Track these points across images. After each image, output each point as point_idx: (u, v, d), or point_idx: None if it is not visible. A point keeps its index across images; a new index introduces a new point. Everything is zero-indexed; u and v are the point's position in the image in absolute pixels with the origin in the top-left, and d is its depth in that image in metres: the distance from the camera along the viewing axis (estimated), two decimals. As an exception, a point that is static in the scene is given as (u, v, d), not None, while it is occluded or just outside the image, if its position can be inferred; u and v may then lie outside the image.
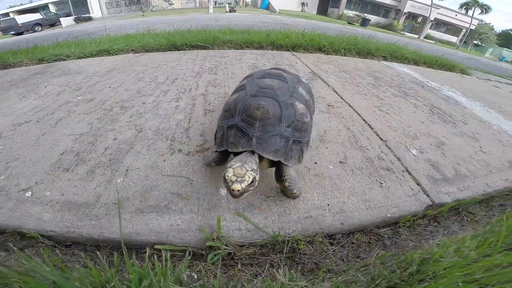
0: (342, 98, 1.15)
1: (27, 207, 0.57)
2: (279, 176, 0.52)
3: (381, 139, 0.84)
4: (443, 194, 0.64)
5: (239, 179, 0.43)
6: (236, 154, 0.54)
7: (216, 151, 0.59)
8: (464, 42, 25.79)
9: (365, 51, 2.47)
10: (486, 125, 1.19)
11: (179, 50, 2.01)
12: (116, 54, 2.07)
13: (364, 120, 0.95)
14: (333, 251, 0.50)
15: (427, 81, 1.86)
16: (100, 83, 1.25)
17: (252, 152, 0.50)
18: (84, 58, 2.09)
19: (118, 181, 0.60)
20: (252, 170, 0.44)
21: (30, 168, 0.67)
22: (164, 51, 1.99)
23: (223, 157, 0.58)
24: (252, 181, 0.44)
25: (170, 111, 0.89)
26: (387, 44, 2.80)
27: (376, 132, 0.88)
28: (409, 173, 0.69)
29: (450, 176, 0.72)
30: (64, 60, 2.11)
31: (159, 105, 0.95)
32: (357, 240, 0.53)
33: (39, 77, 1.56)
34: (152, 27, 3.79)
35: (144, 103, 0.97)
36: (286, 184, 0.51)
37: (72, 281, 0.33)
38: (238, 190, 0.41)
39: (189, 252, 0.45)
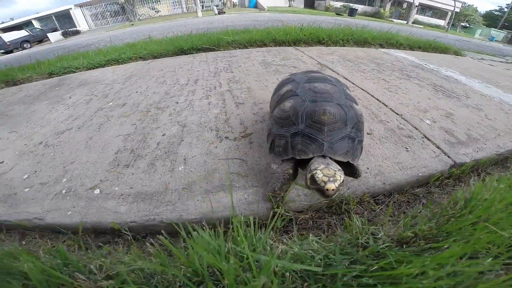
0: (353, 84, 1.25)
1: (100, 203, 0.62)
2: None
3: (397, 113, 0.94)
4: (462, 155, 0.73)
5: (331, 178, 0.43)
6: (300, 161, 0.54)
7: (282, 160, 0.56)
8: (452, 25, 26.11)
9: (361, 40, 2.57)
10: (487, 98, 1.29)
11: (187, 54, 2.08)
12: (125, 63, 2.13)
13: (378, 100, 1.05)
14: (380, 209, 0.59)
15: (425, 64, 1.96)
16: (124, 89, 1.33)
17: (323, 156, 0.51)
18: (93, 68, 2.16)
19: (180, 169, 0.68)
20: (339, 170, 0.45)
21: (89, 169, 0.73)
22: (172, 56, 2.06)
23: (293, 171, 0.56)
24: (343, 180, 0.44)
25: (205, 107, 0.98)
26: (381, 33, 2.90)
27: (391, 108, 0.98)
28: (428, 139, 0.79)
29: (464, 139, 0.82)
30: (74, 72, 2.17)
31: (192, 103, 1.03)
32: (397, 200, 0.62)
33: (57, 90, 1.62)
34: (146, 34, 3.84)
35: (177, 102, 1.05)
36: (357, 176, 0.55)
37: (178, 262, 0.38)
38: (332, 190, 0.41)
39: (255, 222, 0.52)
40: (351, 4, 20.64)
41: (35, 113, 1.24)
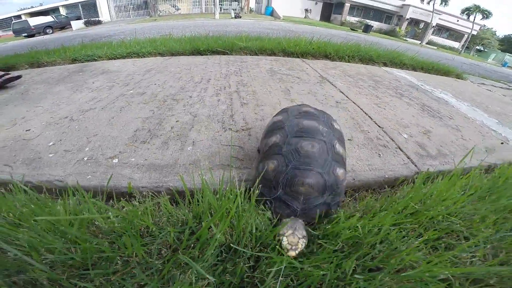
0: (347, 97, 1.39)
1: (117, 170, 0.73)
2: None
3: (379, 126, 1.07)
4: (428, 165, 0.87)
5: (293, 247, 0.49)
6: None
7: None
8: (467, 47, 26.01)
9: (367, 58, 2.71)
10: (469, 120, 1.42)
11: (202, 54, 2.27)
12: (145, 57, 2.33)
13: (365, 113, 1.19)
14: (348, 200, 0.73)
15: (421, 85, 2.09)
16: (144, 80, 1.50)
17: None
18: (115, 59, 2.35)
19: (189, 149, 0.83)
20: (303, 237, 0.50)
21: (110, 142, 0.86)
22: (188, 55, 2.25)
23: None
24: (305, 246, 0.50)
25: (214, 103, 1.14)
26: (387, 51, 3.05)
27: (375, 121, 1.11)
28: (401, 150, 0.92)
29: (434, 154, 0.95)
30: (96, 60, 2.36)
31: (204, 98, 1.19)
32: (365, 196, 0.76)
33: (81, 75, 1.80)
34: (165, 31, 4.06)
35: (191, 97, 1.21)
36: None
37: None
38: (293, 256, 0.48)
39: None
40: (367, 20, 20.90)
41: (60, 93, 1.40)
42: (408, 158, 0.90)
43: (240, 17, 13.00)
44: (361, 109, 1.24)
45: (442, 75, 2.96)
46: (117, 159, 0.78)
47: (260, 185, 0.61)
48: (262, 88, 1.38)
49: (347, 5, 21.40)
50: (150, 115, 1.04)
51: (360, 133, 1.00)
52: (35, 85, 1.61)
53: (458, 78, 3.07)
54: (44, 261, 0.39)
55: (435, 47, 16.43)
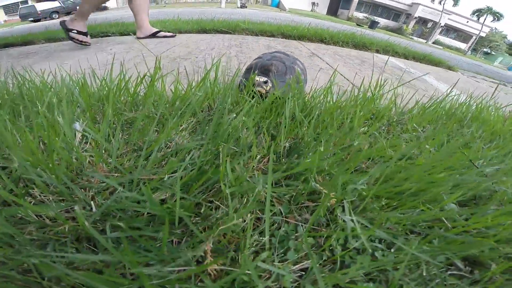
0: (331, 67, 1.60)
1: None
2: None
3: (353, 84, 1.29)
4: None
5: (259, 78, 0.70)
6: None
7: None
8: (473, 49, 25.67)
9: (360, 44, 2.89)
10: (440, 93, 1.61)
11: (208, 33, 2.47)
12: (155, 34, 2.53)
13: (344, 77, 1.41)
14: None
15: (407, 69, 2.28)
16: (155, 48, 1.72)
17: None
18: (127, 35, 2.56)
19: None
20: (269, 80, 0.72)
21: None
22: (196, 33, 2.46)
23: None
24: (265, 81, 0.71)
25: (215, 61, 1.37)
26: (381, 40, 3.22)
27: (351, 82, 1.33)
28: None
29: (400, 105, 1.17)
30: (110, 36, 2.57)
31: (207, 59, 1.42)
32: None
33: (99, 45, 2.01)
34: (173, 16, 4.27)
35: (196, 57, 1.44)
36: None
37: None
38: (257, 81, 0.69)
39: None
40: (374, 17, 20.72)
41: (82, 55, 1.61)
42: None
43: (246, 7, 13.03)
44: (341, 74, 1.45)
45: (433, 65, 3.12)
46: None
47: (243, 75, 0.86)
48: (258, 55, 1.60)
49: (355, 0, 21.17)
50: (163, 66, 1.26)
51: (334, 86, 1.22)
52: (57, 52, 1.83)
53: (449, 70, 3.20)
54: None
55: (441, 47, 16.33)
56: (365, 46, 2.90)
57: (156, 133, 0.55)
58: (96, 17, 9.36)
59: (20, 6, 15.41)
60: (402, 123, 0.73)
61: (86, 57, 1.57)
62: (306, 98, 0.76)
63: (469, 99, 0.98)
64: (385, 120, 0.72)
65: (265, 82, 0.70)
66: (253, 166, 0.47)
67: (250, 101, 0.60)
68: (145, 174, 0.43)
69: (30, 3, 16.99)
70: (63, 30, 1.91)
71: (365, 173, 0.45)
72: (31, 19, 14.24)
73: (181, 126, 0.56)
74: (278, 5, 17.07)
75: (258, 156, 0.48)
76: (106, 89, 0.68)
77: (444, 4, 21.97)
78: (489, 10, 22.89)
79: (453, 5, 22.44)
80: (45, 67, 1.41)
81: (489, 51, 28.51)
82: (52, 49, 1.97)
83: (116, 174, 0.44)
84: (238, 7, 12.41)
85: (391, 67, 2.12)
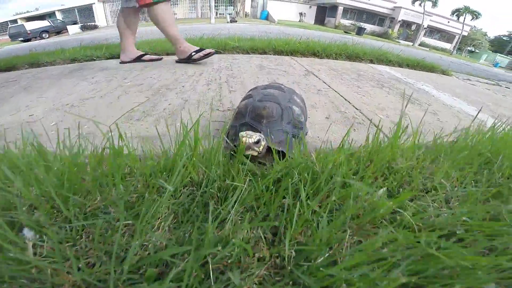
0: (329, 86, 1.51)
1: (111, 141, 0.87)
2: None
3: (356, 108, 1.18)
4: (402, 140, 0.97)
5: (248, 136, 0.56)
6: None
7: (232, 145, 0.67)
8: (459, 48, 26.59)
9: (354, 56, 2.85)
10: (447, 107, 1.50)
11: (196, 53, 2.38)
12: (141, 57, 2.43)
13: (344, 98, 1.30)
14: None
15: (404, 78, 2.22)
16: (141, 75, 1.61)
17: None
18: (112, 59, 2.45)
19: (177, 124, 0.92)
20: (262, 138, 0.57)
21: (107, 120, 0.94)
22: (183, 54, 2.36)
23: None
24: (257, 141, 0.56)
25: (204, 91, 1.24)
26: (373, 49, 3.19)
27: (353, 105, 1.23)
28: (376, 126, 1.03)
29: (410, 132, 1.06)
30: (95, 60, 2.46)
31: (195, 87, 1.30)
32: None
33: (81, 72, 1.89)
34: (161, 35, 4.20)
35: (183, 86, 1.32)
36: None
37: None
38: (245, 143, 0.54)
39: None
40: (360, 23, 21.34)
41: (62, 86, 1.49)
42: (382, 132, 1.00)
43: (236, 21, 13.23)
44: (341, 95, 1.35)
45: (427, 71, 3.09)
46: (111, 133, 0.88)
47: (232, 121, 0.73)
48: (250, 79, 1.49)
49: (341, 8, 21.85)
50: (145, 100, 1.14)
51: (337, 113, 1.11)
52: (37, 81, 1.70)
53: (444, 74, 3.18)
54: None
55: (428, 49, 16.80)
56: (358, 57, 2.85)
57: (126, 232, 0.41)
58: (83, 37, 9.34)
59: (9, 26, 15.35)
60: (426, 177, 0.61)
61: (66, 87, 1.44)
62: (313, 161, 0.60)
63: (491, 128, 0.87)
64: (406, 177, 0.60)
65: (257, 143, 0.57)
66: (252, 279, 0.33)
67: (242, 186, 0.47)
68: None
69: (19, 22, 16.95)
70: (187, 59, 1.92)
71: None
72: (21, 39, 14.16)
73: (158, 219, 0.42)
74: (267, 18, 17.42)
75: (256, 268, 0.34)
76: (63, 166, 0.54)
77: (424, 5, 22.87)
78: (466, 9, 23.89)
79: (431, 6, 23.33)
80: (22, 101, 1.28)
81: (473, 49, 29.53)
82: (34, 76, 1.84)
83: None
84: (228, 22, 12.59)
85: (388, 79, 2.05)
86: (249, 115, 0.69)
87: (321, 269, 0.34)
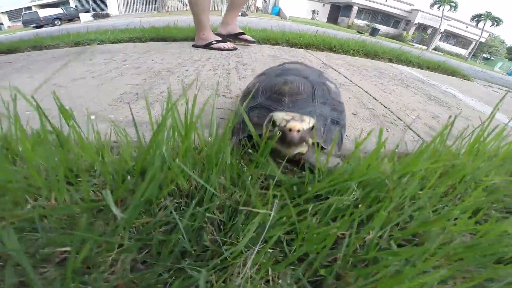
0: (351, 81, 1.34)
1: (91, 125, 0.72)
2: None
3: (385, 106, 1.03)
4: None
5: (296, 117, 0.33)
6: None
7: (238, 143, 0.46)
8: (473, 55, 25.79)
9: (372, 53, 2.66)
10: (478, 113, 1.35)
11: (204, 41, 2.23)
12: (147, 41, 2.30)
13: (370, 94, 1.14)
14: None
15: (427, 80, 2.04)
16: (142, 58, 1.47)
17: None
18: (117, 43, 2.33)
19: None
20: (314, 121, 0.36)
21: (93, 102, 0.81)
22: (191, 41, 2.22)
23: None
24: (313, 127, 0.35)
25: (210, 76, 1.10)
26: (393, 48, 2.99)
27: (380, 102, 1.07)
28: (410, 129, 0.88)
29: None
30: (98, 44, 2.34)
31: (200, 72, 1.16)
32: None
33: (81, 54, 1.77)
34: (172, 25, 4.06)
35: (187, 70, 1.18)
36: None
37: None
38: (297, 131, 0.32)
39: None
40: (375, 24, 20.81)
41: (56, 67, 1.38)
42: (418, 136, 0.85)
43: (247, 15, 13.03)
44: (365, 91, 1.19)
45: (448, 75, 2.89)
46: (94, 116, 0.75)
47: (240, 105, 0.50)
48: (262, 67, 1.34)
49: (355, 8, 21.35)
50: (141, 82, 1.00)
51: (365, 109, 0.95)
52: (33, 62, 1.59)
53: (465, 79, 2.99)
54: None
55: (442, 53, 16.27)
56: (377, 55, 2.66)
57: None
58: (95, 24, 9.32)
59: (23, 12, 15.55)
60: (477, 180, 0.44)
61: (59, 69, 1.32)
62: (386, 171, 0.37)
63: None
64: (467, 186, 0.43)
65: (312, 129, 0.34)
66: None
67: (265, 214, 0.27)
68: None
69: (33, 9, 17.15)
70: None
71: None
72: (34, 25, 14.32)
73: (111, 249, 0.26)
74: (278, 13, 17.10)
75: None
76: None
77: (443, 10, 22.17)
78: (488, 16, 23.04)
79: (452, 11, 22.56)
80: (12, 80, 1.16)
81: (488, 57, 28.59)
82: (32, 58, 1.73)
83: None
84: (239, 15, 12.38)
85: (411, 79, 1.87)
86: (263, 95, 0.47)
87: None
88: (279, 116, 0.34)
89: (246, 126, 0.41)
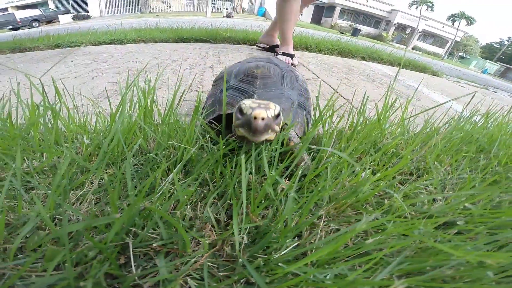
0: (318, 77, 1.47)
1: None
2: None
3: (344, 98, 1.15)
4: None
5: (262, 105, 0.34)
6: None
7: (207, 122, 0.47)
8: (450, 54, 27.15)
9: (346, 52, 2.83)
10: (436, 103, 1.51)
11: (185, 42, 2.31)
12: (128, 43, 2.34)
13: (333, 88, 1.27)
14: None
15: (395, 75, 2.21)
16: (122, 59, 1.53)
17: None
18: (98, 45, 2.35)
19: (154, 106, 0.87)
20: (274, 104, 0.36)
21: (76, 98, 0.90)
22: (172, 43, 2.28)
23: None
24: (278, 114, 0.35)
25: (186, 74, 1.20)
26: (366, 47, 3.18)
27: (341, 94, 1.20)
28: (363, 116, 1.00)
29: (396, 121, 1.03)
30: (79, 46, 2.35)
31: (177, 71, 1.24)
32: None
33: (61, 56, 1.80)
34: (154, 26, 4.09)
35: (164, 69, 1.26)
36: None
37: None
38: (262, 118, 0.32)
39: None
40: (356, 24, 21.47)
41: (37, 69, 1.42)
42: (368, 120, 0.97)
43: (232, 16, 13.09)
44: (329, 85, 1.32)
45: (418, 72, 3.10)
46: (76, 110, 0.81)
47: (210, 91, 0.55)
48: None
49: (338, 8, 21.93)
50: (121, 80, 1.07)
51: (324, 100, 1.07)
52: (15, 65, 1.60)
53: (434, 75, 3.21)
54: None
55: (420, 52, 17.06)
56: (350, 53, 2.84)
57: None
58: (75, 26, 9.05)
59: None
60: (417, 160, 0.57)
61: (42, 70, 1.36)
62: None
63: (484, 117, 0.85)
64: (394, 158, 0.55)
65: (277, 116, 0.36)
66: (186, 269, 0.26)
67: (190, 150, 0.37)
68: (12, 265, 0.24)
69: (10, 10, 16.33)
70: None
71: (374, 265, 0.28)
72: (10, 27, 13.67)
73: (81, 188, 0.36)
74: (264, 15, 17.30)
75: (193, 255, 0.27)
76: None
77: (421, 10, 23.20)
78: (462, 15, 24.38)
79: (428, 10, 23.68)
80: None
81: (464, 55, 30.20)
82: (12, 60, 1.74)
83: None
84: (224, 16, 12.41)
85: (379, 75, 2.04)
86: (235, 77, 0.50)
87: (279, 264, 0.25)
88: (246, 104, 0.35)
89: (213, 109, 0.48)
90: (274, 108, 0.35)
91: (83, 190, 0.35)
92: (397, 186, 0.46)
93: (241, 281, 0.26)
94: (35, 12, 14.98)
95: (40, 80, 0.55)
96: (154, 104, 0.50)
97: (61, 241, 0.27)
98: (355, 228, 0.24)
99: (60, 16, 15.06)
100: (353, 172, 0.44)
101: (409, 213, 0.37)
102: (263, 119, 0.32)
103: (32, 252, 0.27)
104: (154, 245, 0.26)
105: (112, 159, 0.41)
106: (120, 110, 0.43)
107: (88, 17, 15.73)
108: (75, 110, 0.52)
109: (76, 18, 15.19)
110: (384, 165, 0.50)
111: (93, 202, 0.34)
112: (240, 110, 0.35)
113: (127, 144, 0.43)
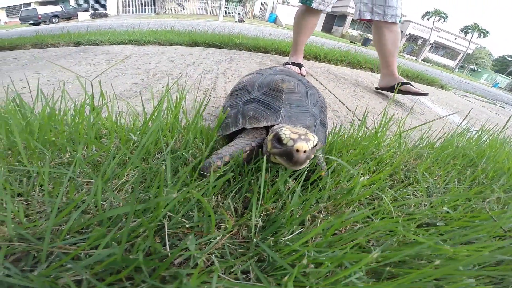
0: (325, 88, 1.53)
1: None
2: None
3: (349, 110, 1.20)
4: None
5: (302, 136, 0.34)
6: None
7: (221, 135, 0.49)
8: (461, 66, 26.70)
9: (354, 63, 2.88)
10: (440, 117, 1.53)
11: (199, 46, 2.40)
12: (144, 45, 2.45)
13: (339, 99, 1.32)
14: None
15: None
16: (139, 60, 1.62)
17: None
18: (116, 45, 2.47)
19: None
20: (310, 132, 0.37)
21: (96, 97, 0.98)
22: (186, 46, 2.38)
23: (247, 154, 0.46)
24: (317, 143, 0.35)
25: (200, 79, 1.26)
26: (375, 58, 3.22)
27: (346, 106, 1.24)
28: (366, 127, 1.05)
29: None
30: (98, 45, 2.47)
31: (192, 75, 1.32)
32: None
33: (82, 54, 1.91)
34: (169, 28, 4.24)
35: (180, 73, 1.34)
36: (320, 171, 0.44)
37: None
38: (304, 151, 0.32)
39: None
40: (368, 34, 21.44)
41: (58, 66, 1.51)
42: (369, 130, 1.02)
43: (244, 21, 13.31)
44: (336, 96, 1.37)
45: (426, 85, 3.12)
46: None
47: (230, 101, 0.53)
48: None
49: (349, 18, 21.99)
50: (139, 82, 1.15)
51: (330, 112, 1.13)
52: (36, 60, 1.71)
53: (442, 89, 3.22)
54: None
55: (430, 64, 16.91)
56: (359, 64, 2.88)
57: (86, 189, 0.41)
58: (93, 23, 9.38)
59: (22, 9, 15.39)
60: (409, 170, 0.62)
61: (63, 68, 1.45)
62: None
63: (479, 133, 0.89)
64: (388, 166, 0.61)
65: (315, 146, 0.36)
66: (211, 247, 0.33)
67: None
68: (61, 245, 0.30)
69: (33, 6, 17.02)
70: None
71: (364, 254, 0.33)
72: (31, 22, 14.20)
73: (120, 178, 0.42)
74: (275, 21, 17.53)
75: (217, 235, 0.34)
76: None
77: (434, 21, 22.99)
78: (476, 27, 24.01)
79: (438, 20, 23.40)
80: (17, 76, 1.28)
81: (475, 68, 29.61)
82: (34, 56, 1.85)
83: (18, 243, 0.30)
84: (235, 21, 12.66)
85: (385, 87, 2.07)
86: (259, 90, 0.49)
87: (287, 243, 0.32)
88: (286, 134, 0.34)
89: (235, 120, 0.48)
90: (313, 139, 0.35)
91: (122, 180, 0.41)
92: (388, 190, 0.52)
93: (254, 258, 0.32)
94: (56, 8, 15.54)
95: (80, 80, 0.61)
96: (182, 109, 0.58)
97: (103, 224, 0.33)
98: (344, 214, 0.29)
99: (79, 14, 15.59)
100: (352, 177, 0.50)
101: (396, 214, 0.43)
102: (305, 151, 0.33)
103: (77, 234, 0.33)
104: (188, 226, 0.32)
105: (145, 154, 0.48)
106: (157, 111, 0.49)
107: (105, 15, 16.24)
108: (110, 109, 0.59)
109: (94, 16, 15.70)
110: (379, 174, 0.55)
111: (129, 191, 0.40)
112: (279, 139, 0.35)
113: (159, 143, 0.50)
